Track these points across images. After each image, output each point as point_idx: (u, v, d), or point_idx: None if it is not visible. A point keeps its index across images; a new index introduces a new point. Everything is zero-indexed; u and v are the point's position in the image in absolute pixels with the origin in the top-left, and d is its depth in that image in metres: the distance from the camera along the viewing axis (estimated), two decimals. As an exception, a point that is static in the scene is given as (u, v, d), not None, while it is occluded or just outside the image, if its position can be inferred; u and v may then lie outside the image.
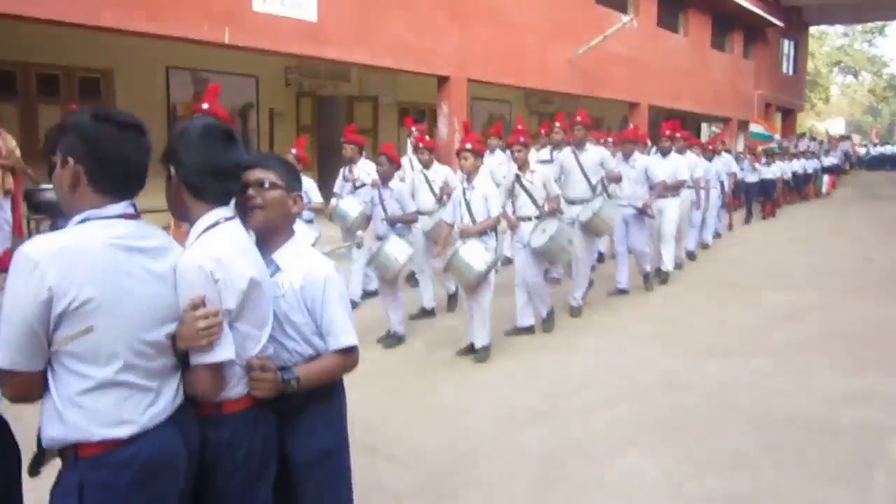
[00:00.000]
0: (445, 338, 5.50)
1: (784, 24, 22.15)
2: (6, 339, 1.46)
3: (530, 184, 5.49)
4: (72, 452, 1.52)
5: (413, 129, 7.28)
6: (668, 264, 7.84)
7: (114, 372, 1.52)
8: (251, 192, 1.92)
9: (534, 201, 5.46)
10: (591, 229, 6.24)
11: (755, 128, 18.19)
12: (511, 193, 5.56)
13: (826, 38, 43.54)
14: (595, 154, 6.74)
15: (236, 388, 1.78)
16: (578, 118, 6.65)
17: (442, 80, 10.71)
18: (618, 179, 6.92)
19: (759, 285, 7.83)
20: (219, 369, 1.70)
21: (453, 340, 5.38)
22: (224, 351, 1.67)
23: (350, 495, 2.15)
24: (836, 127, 40.66)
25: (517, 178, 5.52)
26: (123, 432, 1.53)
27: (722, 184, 10.58)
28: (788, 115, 26.79)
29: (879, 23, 39.74)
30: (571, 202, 6.55)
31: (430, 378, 4.73)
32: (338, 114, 11.87)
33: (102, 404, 1.51)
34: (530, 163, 5.56)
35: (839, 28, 41.27)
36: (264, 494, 1.85)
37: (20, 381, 1.49)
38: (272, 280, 1.89)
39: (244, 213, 1.92)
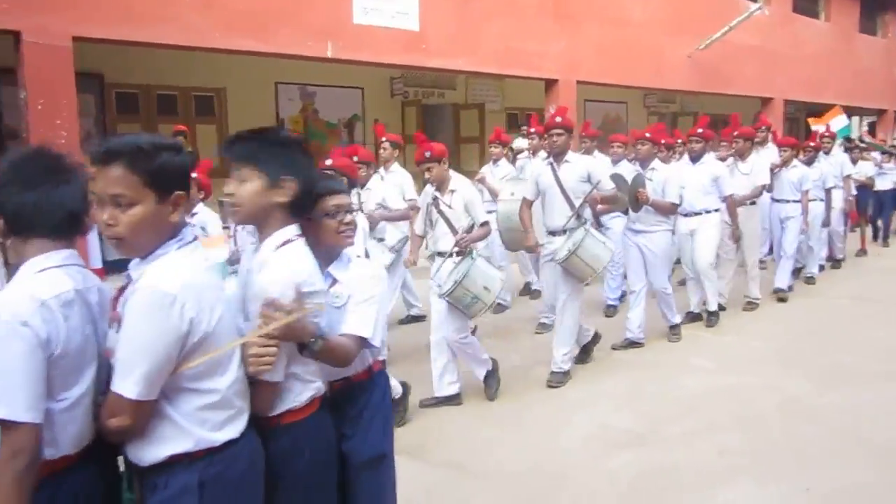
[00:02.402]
0: (543, 356, 5.48)
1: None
2: (143, 373, 1.58)
3: (448, 208, 4.49)
4: (185, 458, 1.69)
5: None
6: (711, 303, 6.39)
7: (226, 386, 1.72)
8: (342, 218, 2.14)
9: (454, 232, 4.46)
10: (570, 271, 4.84)
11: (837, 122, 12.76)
12: (428, 221, 4.64)
13: None
14: (579, 166, 4.99)
15: (299, 398, 1.91)
16: (558, 119, 5.02)
17: (549, 84, 10.68)
18: (595, 203, 4.96)
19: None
20: (277, 386, 1.85)
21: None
22: (279, 373, 1.85)
23: (395, 498, 2.35)
24: None
25: (435, 200, 4.56)
26: (237, 431, 1.75)
27: (828, 192, 8.24)
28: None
29: None
30: (552, 233, 5.08)
31: (524, 395, 4.73)
32: (444, 122, 12.12)
33: (219, 413, 1.72)
34: (451, 180, 4.54)
35: None
36: (326, 501, 1.98)
37: (145, 411, 1.65)
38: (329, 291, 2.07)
39: (324, 235, 2.10)
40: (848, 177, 9.41)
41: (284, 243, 1.92)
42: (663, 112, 16.40)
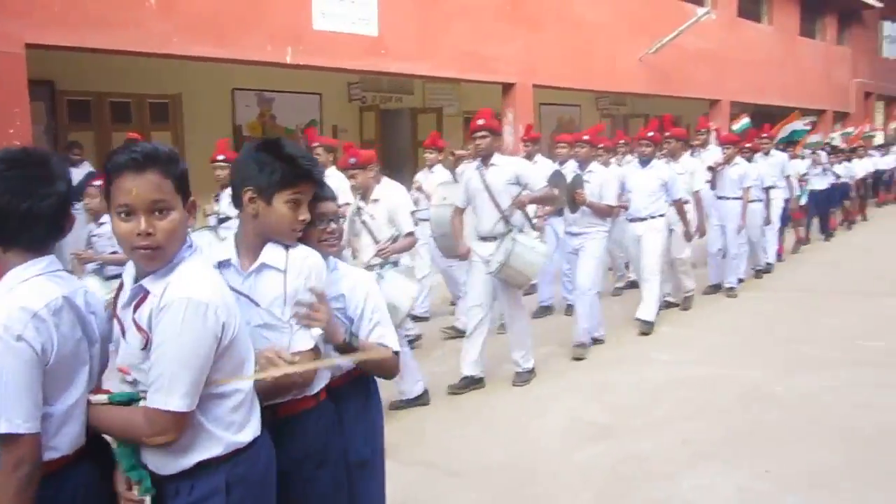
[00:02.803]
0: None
1: (883, 5, 21.15)
2: (190, 384, 1.61)
3: (371, 219, 4.45)
4: (213, 462, 1.72)
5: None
6: (648, 312, 6.19)
7: (249, 385, 1.78)
8: (325, 226, 2.15)
9: (375, 242, 4.39)
10: (505, 281, 4.76)
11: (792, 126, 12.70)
12: (352, 231, 4.58)
13: (936, 17, 41.15)
14: (507, 169, 4.84)
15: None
16: (481, 121, 4.83)
17: (507, 87, 10.84)
18: (522, 205, 4.84)
19: (854, 290, 7.57)
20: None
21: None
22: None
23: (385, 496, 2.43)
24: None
25: (358, 210, 4.54)
26: (257, 429, 1.81)
27: (767, 192, 8.26)
28: (892, 103, 25.47)
29: None
30: (483, 239, 4.93)
31: (493, 393, 4.83)
32: (402, 126, 12.18)
33: (242, 414, 1.77)
34: (375, 189, 4.53)
35: (951, 4, 38.90)
36: (329, 482, 2.06)
37: (188, 423, 1.67)
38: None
39: (316, 243, 2.12)
40: (788, 177, 9.38)
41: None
42: (615, 114, 16.78)
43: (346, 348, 2.07)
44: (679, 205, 6.39)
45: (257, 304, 1.91)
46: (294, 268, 1.92)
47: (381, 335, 2.20)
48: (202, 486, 1.71)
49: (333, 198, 2.24)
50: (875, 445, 3.80)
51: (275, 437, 1.93)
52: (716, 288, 7.74)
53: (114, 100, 9.29)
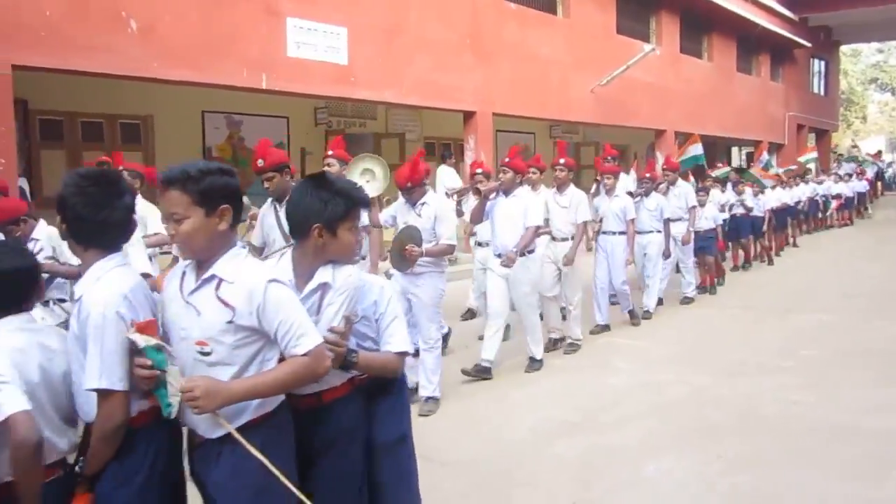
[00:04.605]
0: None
1: (812, 45, 22.75)
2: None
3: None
4: (251, 424, 2.08)
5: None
6: (534, 348, 5.92)
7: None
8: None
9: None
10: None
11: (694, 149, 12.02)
12: (266, 233, 4.77)
13: (860, 56, 44.00)
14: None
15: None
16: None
17: (468, 115, 11.43)
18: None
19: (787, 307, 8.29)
20: None
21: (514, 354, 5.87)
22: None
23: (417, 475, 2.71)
24: (877, 145, 40.83)
25: (275, 213, 4.74)
26: (282, 397, 2.20)
27: (666, 224, 8.02)
28: (823, 135, 27.20)
29: (915, 38, 40.07)
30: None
31: (468, 397, 5.25)
32: (365, 150, 12.57)
33: None
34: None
35: (874, 44, 41.72)
36: (356, 458, 2.41)
37: None
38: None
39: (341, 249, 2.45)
40: (693, 207, 8.83)
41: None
42: (567, 142, 17.57)
43: (346, 366, 2.34)
44: (529, 231, 5.63)
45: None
46: (339, 281, 2.31)
47: (390, 335, 2.50)
48: (242, 448, 2.04)
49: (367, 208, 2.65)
50: (807, 435, 4.36)
51: (316, 417, 2.32)
52: (604, 328, 7.25)
53: (85, 120, 9.47)
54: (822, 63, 26.49)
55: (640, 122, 15.56)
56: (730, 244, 11.06)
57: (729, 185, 11.64)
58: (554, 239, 6.61)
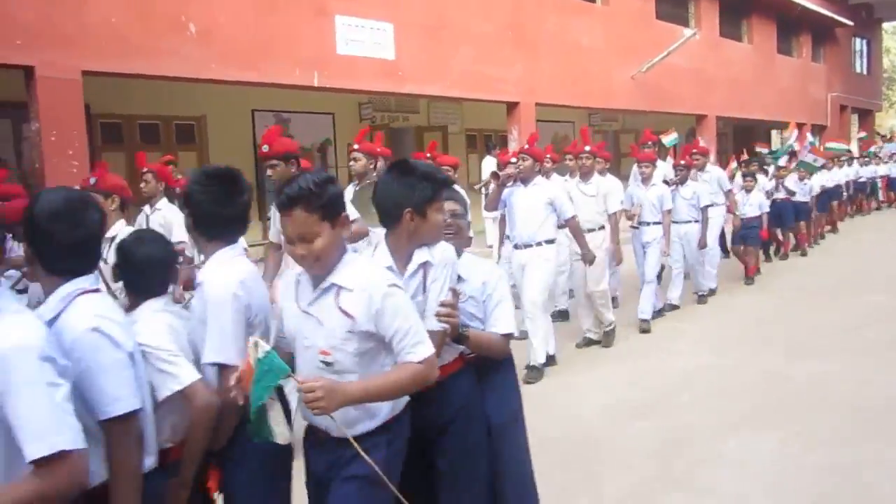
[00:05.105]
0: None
1: (854, 23, 22.30)
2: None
3: None
4: (383, 427, 2.18)
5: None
6: (537, 354, 5.41)
7: None
8: (452, 221, 2.65)
9: None
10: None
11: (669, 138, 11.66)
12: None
13: (901, 33, 42.91)
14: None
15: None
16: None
17: (511, 106, 11.52)
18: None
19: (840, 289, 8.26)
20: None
21: (568, 336, 5.98)
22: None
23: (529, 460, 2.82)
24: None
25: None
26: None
27: (704, 211, 7.68)
28: (866, 116, 26.67)
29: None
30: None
31: (539, 382, 5.38)
32: (408, 144, 12.78)
33: None
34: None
35: (915, 21, 40.64)
36: (478, 434, 2.55)
37: None
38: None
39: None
40: (729, 191, 8.72)
41: None
42: (607, 129, 17.54)
43: (458, 339, 2.48)
44: (571, 223, 5.61)
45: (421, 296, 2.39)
46: (437, 257, 2.44)
47: (497, 318, 2.62)
48: (369, 442, 2.13)
49: (453, 198, 2.73)
50: (884, 413, 4.41)
51: (433, 395, 2.40)
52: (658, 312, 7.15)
53: (142, 122, 9.78)
54: (864, 42, 25.95)
55: (681, 107, 15.46)
56: (776, 231, 10.72)
57: (770, 170, 11.28)
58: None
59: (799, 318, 7.12)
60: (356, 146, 5.38)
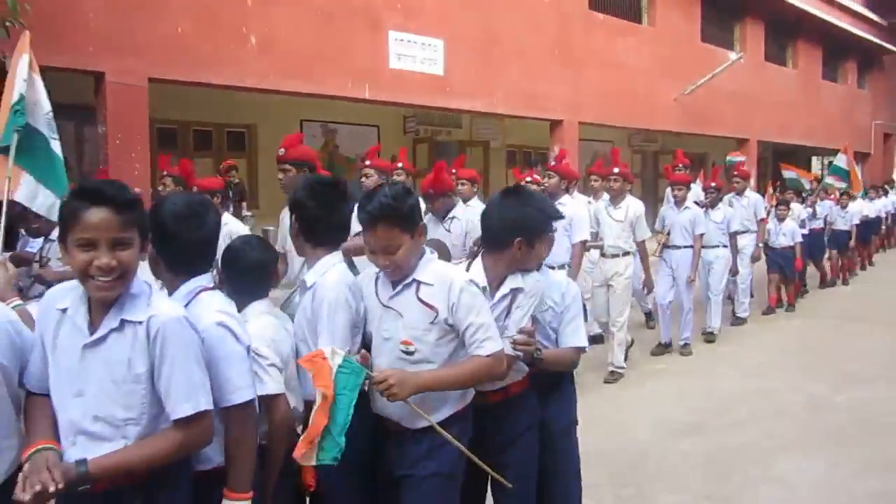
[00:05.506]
0: (591, 363, 6.18)
1: (901, 50, 22.06)
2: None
3: None
4: (454, 416, 2.33)
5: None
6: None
7: None
8: None
9: None
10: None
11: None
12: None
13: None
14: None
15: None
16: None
17: (554, 124, 11.64)
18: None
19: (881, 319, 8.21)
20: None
21: (599, 365, 6.06)
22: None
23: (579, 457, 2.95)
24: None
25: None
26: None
27: (733, 237, 7.49)
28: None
29: None
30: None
31: (585, 397, 5.45)
32: (451, 158, 12.94)
33: None
34: None
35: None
36: (537, 444, 2.66)
37: None
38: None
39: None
40: (763, 220, 8.47)
41: None
42: (646, 150, 17.57)
43: (532, 362, 2.56)
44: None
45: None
46: (529, 286, 2.54)
47: (571, 331, 2.71)
48: (441, 438, 2.26)
49: None
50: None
51: (501, 410, 2.54)
52: (664, 347, 6.79)
53: (196, 128, 10.10)
54: (911, 69, 25.58)
55: (724, 130, 15.46)
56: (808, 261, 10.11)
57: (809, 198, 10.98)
58: (604, 255, 6.15)
59: (842, 344, 7.12)
60: (368, 162, 5.39)
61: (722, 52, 14.64)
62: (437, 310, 2.25)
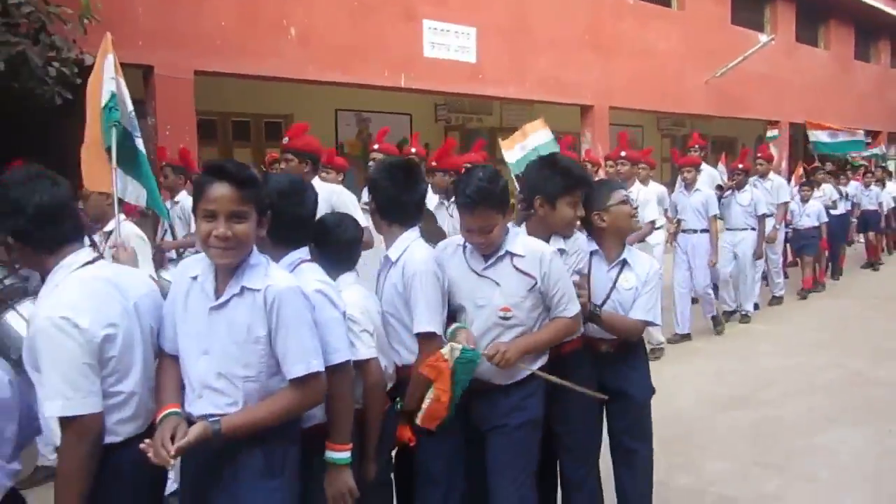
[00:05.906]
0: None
1: (936, 29, 21.69)
2: None
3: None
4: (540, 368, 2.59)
5: None
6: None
7: None
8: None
9: None
10: None
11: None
12: None
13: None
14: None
15: None
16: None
17: (585, 110, 11.73)
18: None
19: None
20: None
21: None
22: None
23: None
24: None
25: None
26: None
27: (761, 220, 7.38)
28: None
29: None
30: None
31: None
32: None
33: None
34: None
35: None
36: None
37: None
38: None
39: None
40: (784, 203, 8.24)
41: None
42: (675, 135, 17.54)
43: (591, 317, 2.76)
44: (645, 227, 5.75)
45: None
46: (570, 247, 2.75)
47: (639, 304, 2.83)
48: (528, 390, 2.55)
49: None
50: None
51: (552, 371, 2.68)
52: (682, 336, 6.68)
53: (235, 119, 10.35)
54: (945, 48, 25.14)
55: (754, 113, 15.41)
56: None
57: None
58: None
59: (880, 322, 7.19)
60: (376, 146, 5.40)
61: (752, 35, 14.58)
62: (535, 277, 2.49)
